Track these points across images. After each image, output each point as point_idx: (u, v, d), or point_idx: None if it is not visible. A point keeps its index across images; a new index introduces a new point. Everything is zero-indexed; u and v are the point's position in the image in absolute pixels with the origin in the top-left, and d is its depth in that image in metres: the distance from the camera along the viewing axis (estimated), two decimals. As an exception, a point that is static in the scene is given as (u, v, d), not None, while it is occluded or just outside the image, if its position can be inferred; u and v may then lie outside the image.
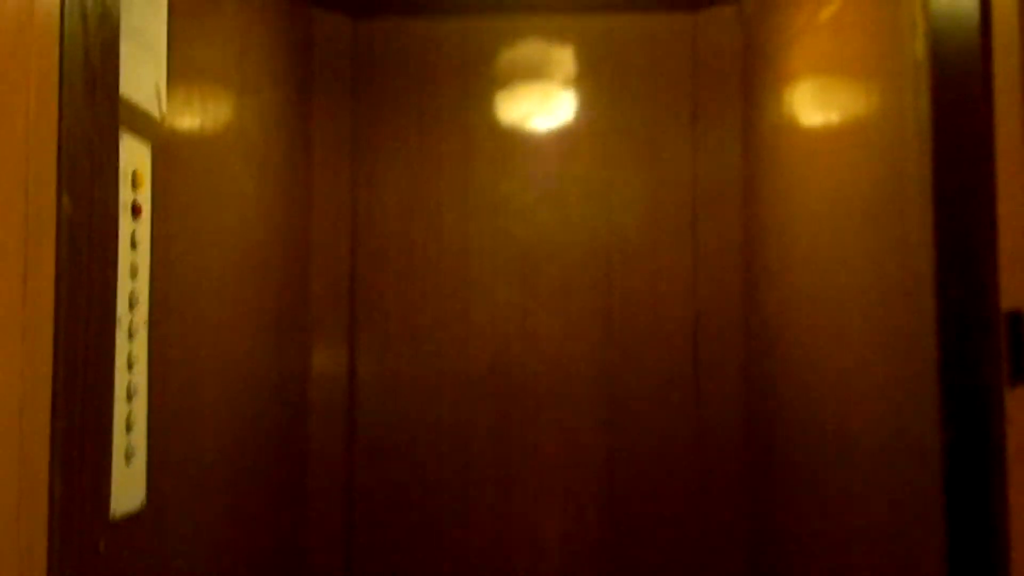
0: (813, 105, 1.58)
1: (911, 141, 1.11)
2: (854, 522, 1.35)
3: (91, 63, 0.85)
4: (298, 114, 1.98)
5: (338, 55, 2.10)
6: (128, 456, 0.99)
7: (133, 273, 1.01)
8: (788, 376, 1.72)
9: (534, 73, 2.11)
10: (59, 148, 0.79)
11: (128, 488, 0.99)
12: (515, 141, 2.10)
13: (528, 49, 2.11)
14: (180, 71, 1.20)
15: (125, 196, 0.99)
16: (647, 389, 2.05)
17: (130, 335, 1.00)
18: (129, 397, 0.99)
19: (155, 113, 1.08)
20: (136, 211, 1.01)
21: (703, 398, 2.04)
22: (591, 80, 2.11)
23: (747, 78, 2.01)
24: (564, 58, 2.11)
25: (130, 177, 0.99)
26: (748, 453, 1.98)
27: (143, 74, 1.03)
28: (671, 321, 2.06)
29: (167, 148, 1.13)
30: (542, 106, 2.11)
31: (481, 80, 2.10)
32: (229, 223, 1.49)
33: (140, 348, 1.03)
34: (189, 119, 1.28)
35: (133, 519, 1.00)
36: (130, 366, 1.00)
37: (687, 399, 2.05)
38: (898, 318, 1.16)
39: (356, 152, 2.10)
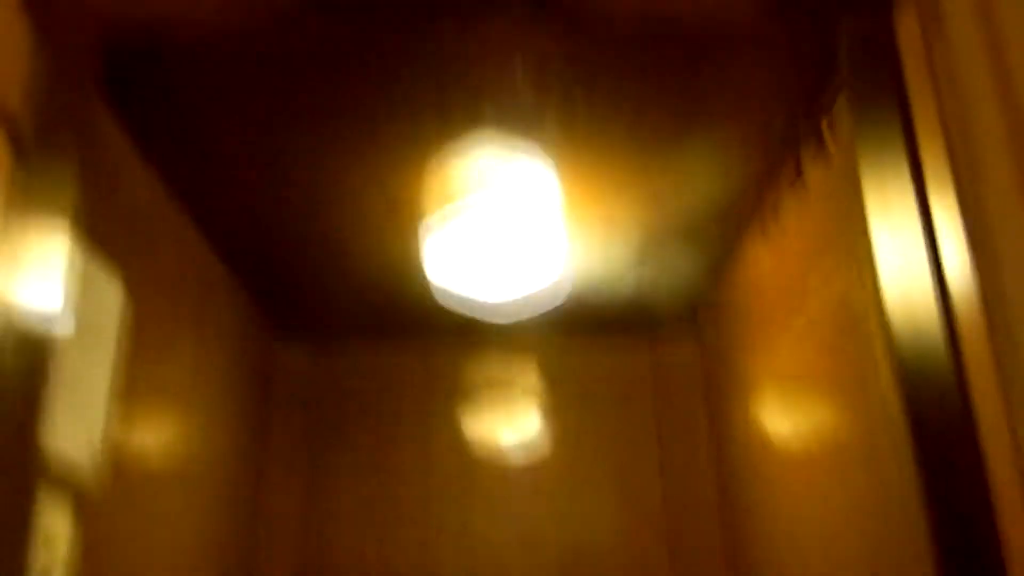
0: (782, 415, 1.55)
1: (890, 458, 1.07)
2: None
3: (9, 425, 0.79)
4: (253, 435, 1.91)
5: (297, 381, 2.07)
6: None
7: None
8: None
9: (496, 389, 2.08)
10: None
11: None
12: (478, 458, 2.02)
13: (491, 367, 2.10)
14: (126, 397, 1.14)
15: (43, 560, 0.89)
16: None
17: None
18: None
19: (86, 468, 1.01)
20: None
21: None
22: (554, 397, 2.07)
23: (708, 394, 2.00)
24: (526, 374, 2.10)
25: (48, 541, 0.90)
26: None
27: (76, 430, 0.97)
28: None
29: (96, 500, 1.04)
30: (504, 423, 2.06)
31: (443, 396, 2.07)
32: (163, 558, 1.37)
33: None
34: (129, 453, 1.21)
35: None
36: None
37: None
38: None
39: (312, 469, 2.01)
